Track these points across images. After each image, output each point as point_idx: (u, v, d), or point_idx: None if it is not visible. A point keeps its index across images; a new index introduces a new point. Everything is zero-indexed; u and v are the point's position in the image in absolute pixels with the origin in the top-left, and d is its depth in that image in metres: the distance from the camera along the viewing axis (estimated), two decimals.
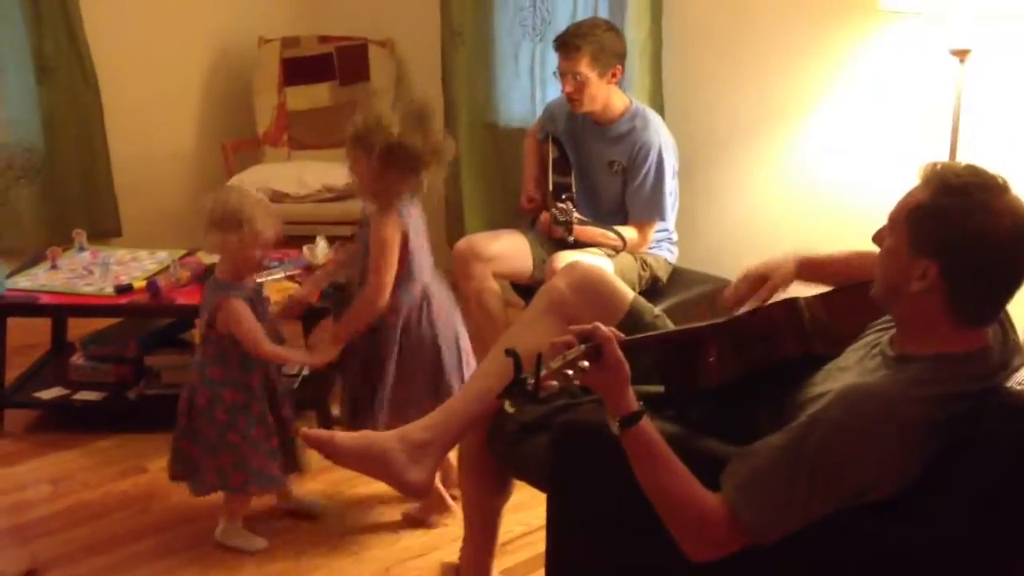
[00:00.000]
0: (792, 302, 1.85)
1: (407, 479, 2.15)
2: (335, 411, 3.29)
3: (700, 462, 1.63)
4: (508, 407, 1.61)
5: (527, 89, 4.18)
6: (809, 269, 2.11)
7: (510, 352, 1.60)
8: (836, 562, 1.61)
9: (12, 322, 3.36)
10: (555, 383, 1.58)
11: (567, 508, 1.94)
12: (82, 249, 3.68)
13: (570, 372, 1.59)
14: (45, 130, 4.55)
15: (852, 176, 3.17)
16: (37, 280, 3.40)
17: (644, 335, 2.03)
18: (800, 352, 1.81)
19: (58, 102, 4.53)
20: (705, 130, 3.55)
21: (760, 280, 2.11)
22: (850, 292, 1.88)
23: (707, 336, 1.87)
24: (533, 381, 1.56)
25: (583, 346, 1.63)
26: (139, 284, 3.28)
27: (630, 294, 2.23)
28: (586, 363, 1.60)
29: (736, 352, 1.83)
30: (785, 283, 2.09)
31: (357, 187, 2.68)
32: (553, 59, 3.28)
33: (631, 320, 2.15)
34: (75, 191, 4.62)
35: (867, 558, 1.57)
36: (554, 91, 3.72)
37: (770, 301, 2.02)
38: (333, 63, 4.84)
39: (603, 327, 1.68)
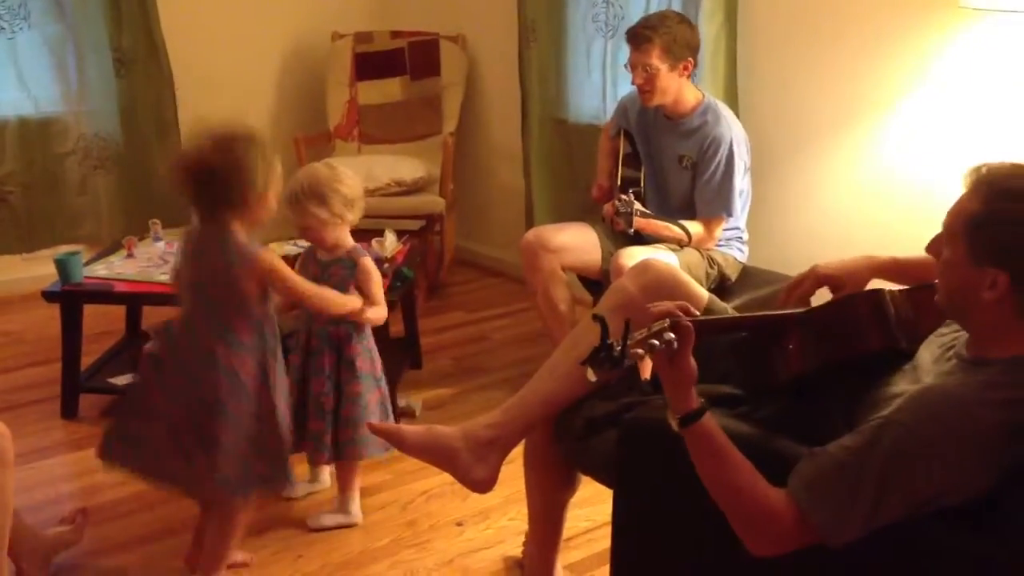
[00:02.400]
0: (877, 294, 1.81)
1: (471, 476, 2.15)
2: (402, 403, 3.32)
3: (771, 461, 1.60)
4: (591, 375, 1.58)
5: (598, 85, 4.16)
6: (889, 273, 2.07)
7: (597, 317, 1.60)
8: (915, 573, 1.56)
9: (88, 309, 3.44)
10: (640, 351, 1.57)
11: (633, 505, 1.92)
12: (158, 239, 3.75)
13: (656, 342, 1.57)
14: (122, 121, 4.66)
15: (932, 177, 3.09)
16: (114, 268, 3.48)
17: (725, 316, 2.00)
18: (883, 346, 1.77)
19: (135, 94, 4.65)
20: (780, 127, 3.50)
21: (824, 282, 2.09)
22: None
23: (788, 324, 1.83)
24: (620, 348, 1.55)
25: (668, 320, 1.62)
26: None
27: (705, 295, 2.19)
28: (672, 335, 1.58)
29: (817, 342, 1.79)
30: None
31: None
32: (625, 55, 3.26)
33: None
34: (152, 182, 4.73)
35: (948, 569, 1.53)
36: (626, 88, 3.69)
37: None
38: (404, 58, 4.88)
39: (690, 308, 1.67)
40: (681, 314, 1.65)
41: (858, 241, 3.08)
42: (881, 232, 3.20)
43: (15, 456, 2.29)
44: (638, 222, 2.96)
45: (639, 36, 3.14)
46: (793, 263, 3.27)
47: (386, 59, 4.90)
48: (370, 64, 4.89)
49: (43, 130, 4.54)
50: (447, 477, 2.19)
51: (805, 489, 1.54)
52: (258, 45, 5.02)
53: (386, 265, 3.32)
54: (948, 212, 1.58)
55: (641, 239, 3.13)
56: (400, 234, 3.74)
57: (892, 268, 2.09)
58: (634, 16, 3.72)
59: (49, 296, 3.35)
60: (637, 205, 2.95)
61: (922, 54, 3.07)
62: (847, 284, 2.08)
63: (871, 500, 1.49)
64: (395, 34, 4.92)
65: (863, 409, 1.67)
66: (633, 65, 3.17)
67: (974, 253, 1.52)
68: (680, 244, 3.19)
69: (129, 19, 4.54)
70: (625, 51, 3.24)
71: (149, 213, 4.03)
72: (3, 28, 4.36)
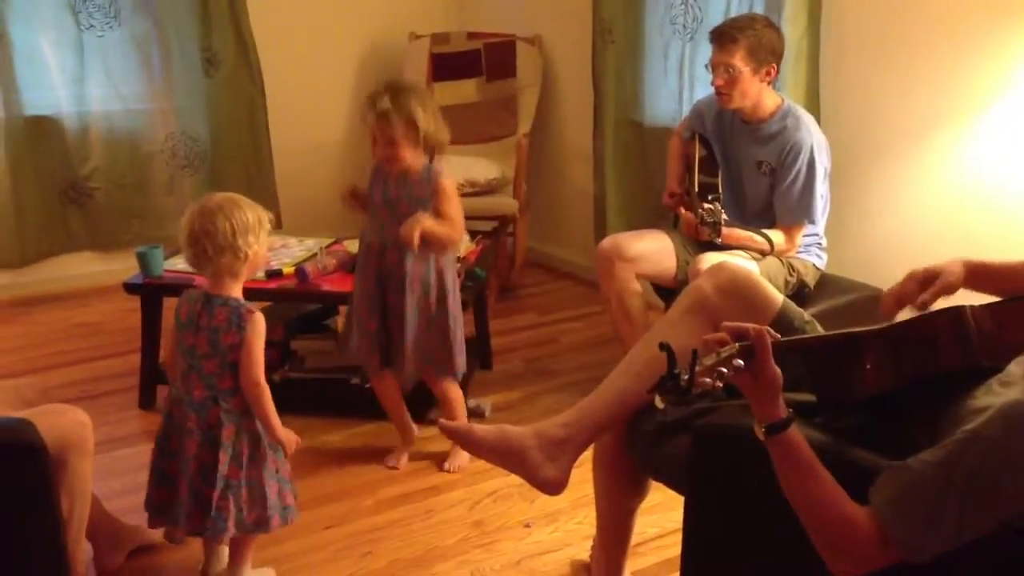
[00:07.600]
0: (957, 310, 1.75)
1: (542, 476, 2.12)
2: (471, 404, 3.32)
3: (849, 473, 1.57)
4: (658, 402, 1.56)
5: (675, 88, 4.13)
6: (978, 275, 2.00)
7: (664, 346, 1.56)
8: None
9: (168, 302, 3.49)
10: (708, 380, 1.54)
11: (705, 512, 1.89)
12: None
13: (724, 370, 1.53)
14: (210, 121, 4.76)
15: (1020, 184, 3.00)
16: None
17: (800, 337, 1.95)
18: (963, 364, 1.71)
19: (223, 94, 4.74)
20: (863, 132, 3.43)
21: (929, 279, 2.02)
22: (1020, 303, 1.77)
23: (866, 342, 1.78)
24: (687, 377, 1.52)
25: (737, 344, 1.58)
26: (288, 270, 3.36)
27: (779, 298, 2.15)
28: (741, 362, 1.55)
29: (895, 360, 1.74)
30: (954, 287, 1.98)
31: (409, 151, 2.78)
32: (703, 58, 3.22)
33: (780, 325, 2.06)
34: (238, 181, 4.81)
35: None
36: (702, 91, 3.65)
37: (933, 307, 1.92)
38: (481, 59, 4.90)
39: (758, 327, 1.63)
40: (752, 332, 1.60)
41: (941, 248, 2.98)
42: (965, 239, 3.11)
43: (94, 444, 2.35)
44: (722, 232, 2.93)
45: (724, 36, 3.08)
46: (873, 270, 3.22)
47: (462, 60, 4.92)
48: (446, 65, 4.92)
49: (130, 129, 4.66)
50: (516, 478, 2.17)
51: (888, 505, 1.50)
52: (337, 45, 5.09)
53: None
54: None
55: (720, 246, 3.09)
56: (473, 235, 3.75)
57: (981, 271, 2.00)
58: (714, 19, 3.69)
59: (130, 288, 3.42)
60: (723, 214, 2.91)
61: (1013, 60, 2.98)
62: (942, 276, 1.98)
63: (956, 516, 1.44)
64: (472, 35, 4.94)
65: (946, 423, 1.62)
66: (715, 65, 3.12)
67: None
68: (763, 253, 3.14)
69: (218, 20, 4.63)
70: (703, 54, 3.20)
71: None
72: (93, 26, 4.48)
